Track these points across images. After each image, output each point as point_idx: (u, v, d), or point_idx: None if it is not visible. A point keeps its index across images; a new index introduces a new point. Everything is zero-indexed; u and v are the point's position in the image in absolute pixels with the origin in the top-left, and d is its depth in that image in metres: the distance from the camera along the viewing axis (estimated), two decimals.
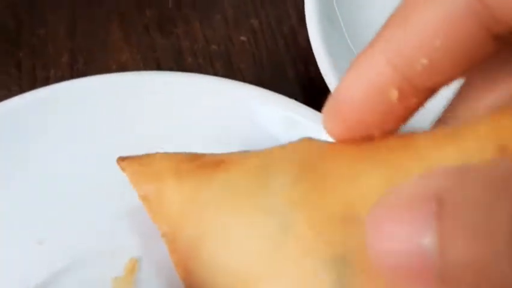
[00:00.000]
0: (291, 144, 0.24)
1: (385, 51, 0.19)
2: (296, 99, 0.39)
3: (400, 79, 0.19)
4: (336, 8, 0.38)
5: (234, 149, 0.27)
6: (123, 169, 0.28)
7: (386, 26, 0.19)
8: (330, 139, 0.22)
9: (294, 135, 0.26)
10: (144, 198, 0.27)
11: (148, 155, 0.28)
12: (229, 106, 0.34)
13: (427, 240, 0.16)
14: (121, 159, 0.29)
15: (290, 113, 0.33)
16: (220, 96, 0.34)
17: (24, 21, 0.42)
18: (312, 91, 0.39)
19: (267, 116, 0.34)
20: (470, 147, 0.19)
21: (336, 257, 0.19)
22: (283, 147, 0.24)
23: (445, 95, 0.21)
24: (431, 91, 0.19)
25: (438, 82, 0.19)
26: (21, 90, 0.39)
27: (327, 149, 0.22)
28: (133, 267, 0.31)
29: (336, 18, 0.38)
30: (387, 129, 0.20)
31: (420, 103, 0.20)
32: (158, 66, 0.40)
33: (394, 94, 0.19)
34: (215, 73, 0.40)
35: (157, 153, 0.28)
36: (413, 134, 0.21)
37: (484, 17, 0.18)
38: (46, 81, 0.39)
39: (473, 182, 0.16)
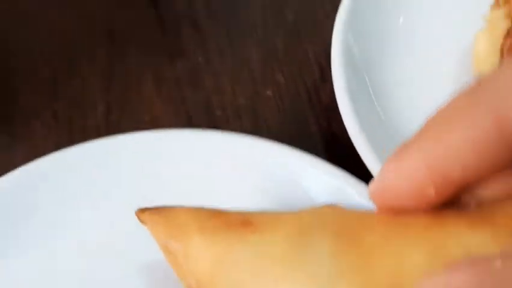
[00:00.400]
0: (317, 209, 0.26)
1: (424, 158, 0.22)
2: (318, 153, 0.40)
3: (437, 179, 0.22)
4: (362, 65, 0.40)
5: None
6: (143, 221, 0.29)
7: (420, 136, 0.23)
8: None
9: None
10: (167, 251, 0.28)
11: (169, 208, 0.29)
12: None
13: None
14: (141, 211, 0.29)
15: (335, 181, 0.35)
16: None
17: (60, 73, 0.45)
18: (333, 146, 0.41)
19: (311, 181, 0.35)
20: (503, 232, 0.22)
21: None
22: (312, 212, 0.26)
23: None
24: (464, 186, 0.23)
25: (470, 180, 0.23)
26: (59, 140, 0.41)
27: (359, 219, 0.24)
28: None
29: (361, 75, 0.40)
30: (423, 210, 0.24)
31: (454, 195, 0.23)
32: (189, 119, 0.42)
33: (431, 191, 0.22)
34: (242, 126, 0.42)
35: (177, 206, 0.29)
36: (444, 212, 0.24)
37: (506, 133, 0.21)
38: (83, 132, 0.42)
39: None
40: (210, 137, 0.36)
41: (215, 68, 0.45)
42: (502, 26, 0.35)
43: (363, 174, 0.35)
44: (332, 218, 0.25)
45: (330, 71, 0.39)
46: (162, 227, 0.28)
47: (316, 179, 0.35)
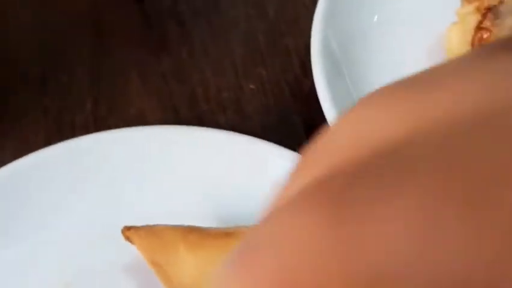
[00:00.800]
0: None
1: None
2: (301, 142, 0.42)
3: None
4: (340, 57, 0.41)
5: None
6: (128, 238, 0.32)
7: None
8: None
9: None
10: (155, 264, 0.30)
11: (152, 226, 0.32)
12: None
13: None
14: (127, 229, 0.32)
15: None
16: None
17: (48, 69, 0.46)
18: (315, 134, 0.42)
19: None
20: None
21: None
22: None
23: None
24: None
25: None
26: (48, 136, 0.42)
27: None
28: None
29: (340, 67, 0.41)
30: None
31: None
32: (175, 112, 0.43)
33: None
34: (226, 119, 0.43)
35: (160, 224, 0.31)
36: None
37: None
38: (72, 127, 0.43)
39: None
40: (191, 133, 0.38)
41: (198, 61, 0.46)
42: (472, 20, 0.37)
43: None
44: None
45: (311, 64, 0.41)
46: (148, 243, 0.31)
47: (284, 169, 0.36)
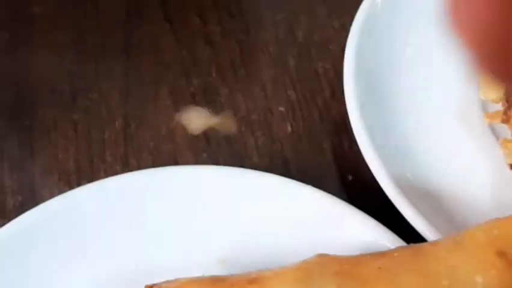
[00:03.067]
0: (313, 259, 0.31)
1: None
2: (329, 169, 0.42)
3: None
4: (373, 82, 0.41)
5: None
6: None
7: None
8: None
9: None
10: None
11: (174, 281, 0.31)
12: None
13: None
14: (149, 287, 0.31)
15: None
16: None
17: (79, 86, 0.46)
18: (344, 162, 0.43)
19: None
20: (475, 252, 0.29)
21: None
22: (308, 262, 0.30)
23: None
24: None
25: None
26: (78, 152, 0.42)
27: (352, 260, 0.30)
28: None
29: (372, 92, 0.41)
30: None
31: None
32: (205, 134, 0.43)
33: None
34: (256, 141, 0.43)
35: (181, 278, 0.31)
36: (421, 245, 0.31)
37: None
38: (102, 144, 0.43)
39: None
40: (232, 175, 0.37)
41: (228, 83, 0.46)
42: None
43: (375, 187, 0.37)
44: (328, 261, 0.30)
45: (340, 88, 0.41)
46: None
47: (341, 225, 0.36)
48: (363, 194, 0.41)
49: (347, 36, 0.41)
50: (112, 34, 0.47)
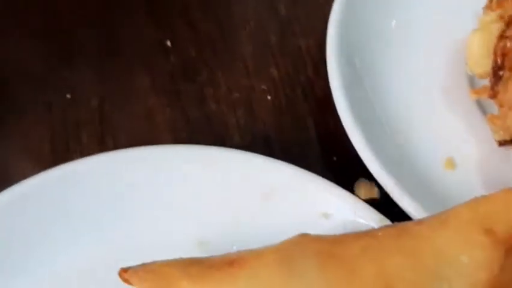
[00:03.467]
0: (293, 239, 0.29)
1: None
2: (313, 146, 0.41)
3: None
4: (357, 59, 0.40)
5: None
6: (127, 281, 0.30)
7: None
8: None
9: None
10: None
11: (150, 265, 0.30)
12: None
13: None
14: (124, 271, 0.30)
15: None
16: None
17: (53, 63, 0.44)
18: (328, 138, 0.41)
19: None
20: (460, 231, 0.28)
21: None
22: (288, 242, 0.29)
23: None
24: None
25: None
26: (53, 133, 0.41)
27: (334, 240, 0.29)
28: None
29: (356, 68, 0.40)
30: None
31: None
32: (184, 112, 0.42)
33: None
34: (237, 120, 0.42)
35: (157, 261, 0.30)
36: (405, 224, 0.30)
37: None
38: (77, 125, 0.41)
39: None
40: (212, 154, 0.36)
41: (208, 61, 0.45)
42: (495, 28, 0.36)
43: (358, 166, 0.36)
44: (309, 241, 0.29)
45: (324, 65, 0.39)
46: (150, 283, 0.29)
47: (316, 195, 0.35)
48: (349, 174, 0.39)
49: (330, 10, 0.40)
50: (87, 11, 0.46)
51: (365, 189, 0.38)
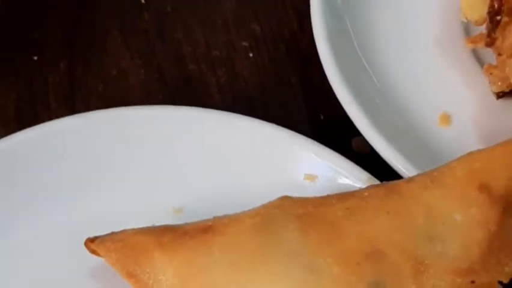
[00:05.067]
0: (274, 202, 0.27)
1: None
2: (298, 105, 0.39)
3: None
4: (343, 11, 0.38)
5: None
6: (94, 252, 0.28)
7: None
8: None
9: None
10: (130, 276, 0.27)
11: (119, 233, 0.28)
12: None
13: None
14: (90, 241, 0.28)
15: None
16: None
17: (20, 23, 0.41)
18: (314, 96, 0.39)
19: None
20: (453, 188, 0.26)
21: (370, 285, 0.23)
22: (268, 206, 0.27)
23: None
24: None
25: None
26: (19, 98, 0.38)
27: (317, 201, 0.27)
28: None
29: (342, 22, 0.37)
30: None
31: None
32: (160, 73, 0.39)
33: None
34: (217, 80, 0.40)
35: (128, 229, 0.28)
36: (394, 183, 0.27)
37: None
38: (45, 89, 0.39)
39: None
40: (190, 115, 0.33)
41: (185, 17, 0.42)
42: None
43: (345, 122, 0.34)
44: (291, 204, 0.27)
45: (309, 19, 0.37)
46: (119, 254, 0.27)
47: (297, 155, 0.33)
48: (337, 133, 0.37)
49: None
50: None
51: (358, 145, 0.36)
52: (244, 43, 0.41)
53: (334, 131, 0.37)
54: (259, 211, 0.27)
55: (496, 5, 0.33)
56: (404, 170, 0.31)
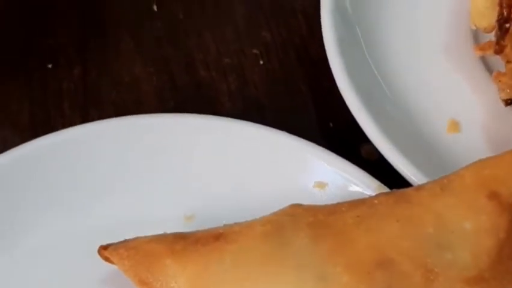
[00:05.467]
0: (285, 210, 0.28)
1: None
2: (308, 111, 0.39)
3: None
4: (353, 17, 0.38)
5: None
6: (108, 259, 0.28)
7: None
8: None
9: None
10: (143, 284, 0.27)
11: (131, 241, 0.28)
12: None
13: None
14: (103, 249, 0.28)
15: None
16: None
17: (34, 30, 0.42)
18: (324, 103, 0.39)
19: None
20: (463, 196, 0.26)
21: None
22: (278, 213, 0.27)
23: None
24: None
25: None
26: (32, 103, 0.39)
27: (327, 210, 0.27)
28: None
29: (352, 28, 0.38)
30: None
31: None
32: (172, 80, 0.40)
33: None
34: (228, 86, 0.40)
35: (141, 237, 0.28)
36: (404, 191, 0.28)
37: None
38: (59, 95, 0.39)
39: None
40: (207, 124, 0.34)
41: (196, 24, 0.42)
42: None
43: (354, 129, 0.34)
44: (301, 213, 0.27)
45: (319, 26, 0.37)
46: (132, 261, 0.28)
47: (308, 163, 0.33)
48: (346, 140, 0.37)
49: None
50: None
51: (367, 152, 0.37)
52: (254, 50, 0.42)
53: (343, 137, 0.38)
54: (270, 219, 0.27)
55: (505, 13, 0.33)
56: (413, 177, 0.31)
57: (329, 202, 0.30)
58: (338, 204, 0.28)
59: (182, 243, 0.27)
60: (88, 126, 0.34)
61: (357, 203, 0.27)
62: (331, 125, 0.39)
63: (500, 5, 0.34)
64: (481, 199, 0.26)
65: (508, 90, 0.34)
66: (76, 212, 0.32)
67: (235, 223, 0.28)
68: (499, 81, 0.35)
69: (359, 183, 0.32)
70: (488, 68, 0.37)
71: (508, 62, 0.35)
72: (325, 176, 0.32)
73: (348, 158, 0.33)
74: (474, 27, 0.37)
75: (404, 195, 0.27)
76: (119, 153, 0.33)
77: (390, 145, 0.33)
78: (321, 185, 0.33)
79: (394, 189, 0.29)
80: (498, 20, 0.34)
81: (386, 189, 0.31)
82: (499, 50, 0.34)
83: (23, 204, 0.32)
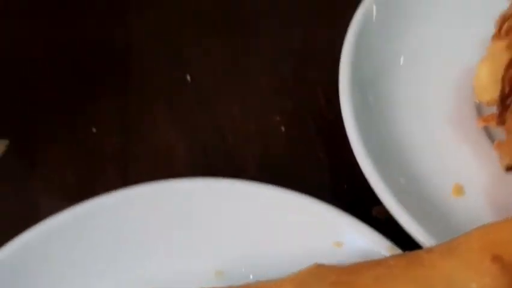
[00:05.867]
0: (310, 269, 0.31)
1: None
2: (325, 179, 0.43)
3: None
4: (369, 92, 0.41)
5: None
6: None
7: None
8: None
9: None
10: None
11: None
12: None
13: None
14: None
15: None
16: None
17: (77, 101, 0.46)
18: (340, 168, 0.43)
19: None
20: (470, 259, 0.29)
21: None
22: (304, 272, 0.31)
23: None
24: None
25: None
26: (78, 167, 0.43)
27: (348, 269, 0.30)
28: None
29: (368, 102, 0.41)
30: None
31: None
32: (201, 145, 0.44)
33: None
34: (252, 152, 0.44)
35: None
36: (416, 253, 0.31)
37: None
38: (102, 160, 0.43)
39: None
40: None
41: (224, 93, 0.47)
42: (503, 57, 0.37)
43: (369, 198, 0.37)
44: (325, 272, 0.30)
45: (335, 97, 0.40)
46: None
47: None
48: (359, 201, 0.40)
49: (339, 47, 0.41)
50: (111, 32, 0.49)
51: (376, 212, 0.40)
52: (277, 118, 0.45)
53: (356, 199, 0.40)
54: (297, 277, 0.31)
55: (506, 91, 0.36)
56: (422, 240, 0.34)
57: (346, 259, 0.33)
58: (356, 264, 0.31)
59: None
60: (127, 191, 0.37)
61: (374, 264, 0.30)
62: (345, 187, 0.42)
63: (503, 83, 0.37)
64: (486, 262, 0.29)
65: (508, 158, 0.38)
66: (112, 272, 0.35)
67: (264, 280, 0.31)
68: (500, 150, 0.38)
69: (372, 243, 0.35)
70: (490, 137, 0.40)
71: (509, 132, 0.37)
72: (343, 236, 0.35)
73: (360, 216, 0.36)
74: (477, 101, 0.41)
75: (416, 257, 0.30)
76: (156, 215, 0.37)
77: (400, 207, 0.35)
78: (338, 243, 0.36)
79: (407, 252, 0.32)
80: (500, 96, 0.37)
81: (396, 248, 0.34)
82: (501, 122, 0.37)
83: (66, 270, 0.36)
